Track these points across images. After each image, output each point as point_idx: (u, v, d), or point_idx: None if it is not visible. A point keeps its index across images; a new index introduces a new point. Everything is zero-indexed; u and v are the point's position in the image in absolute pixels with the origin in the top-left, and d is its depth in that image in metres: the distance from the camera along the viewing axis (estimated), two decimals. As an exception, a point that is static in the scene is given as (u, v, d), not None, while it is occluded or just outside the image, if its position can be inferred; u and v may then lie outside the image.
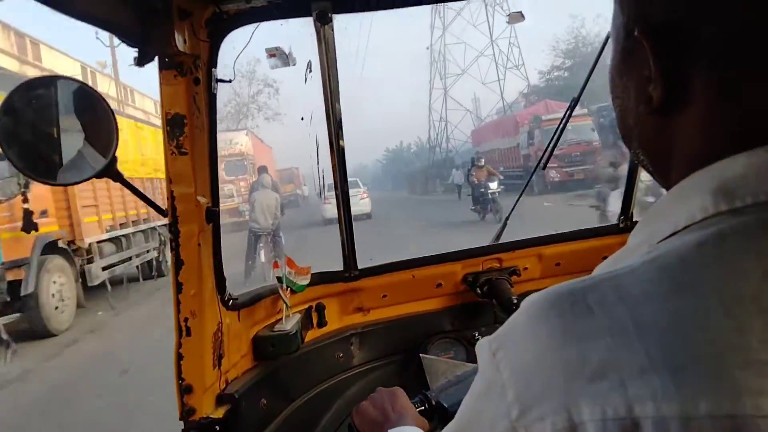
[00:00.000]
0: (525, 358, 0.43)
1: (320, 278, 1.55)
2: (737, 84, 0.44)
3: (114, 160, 0.98)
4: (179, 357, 1.09)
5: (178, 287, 1.07)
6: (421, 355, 1.55)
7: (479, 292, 1.68)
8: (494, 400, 0.44)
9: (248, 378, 1.27)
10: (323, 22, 1.24)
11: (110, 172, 0.99)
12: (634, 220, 1.82)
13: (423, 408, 1.16)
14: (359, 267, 1.60)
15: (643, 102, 0.49)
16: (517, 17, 1.41)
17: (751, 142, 0.43)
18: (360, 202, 20.11)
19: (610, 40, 0.55)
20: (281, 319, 1.41)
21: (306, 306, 1.54)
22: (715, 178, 0.44)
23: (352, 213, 1.56)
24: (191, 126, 1.04)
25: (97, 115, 1.00)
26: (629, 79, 0.51)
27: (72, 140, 1.03)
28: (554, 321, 0.42)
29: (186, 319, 1.08)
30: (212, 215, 1.11)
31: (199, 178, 1.08)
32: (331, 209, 21.22)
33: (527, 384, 0.42)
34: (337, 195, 1.51)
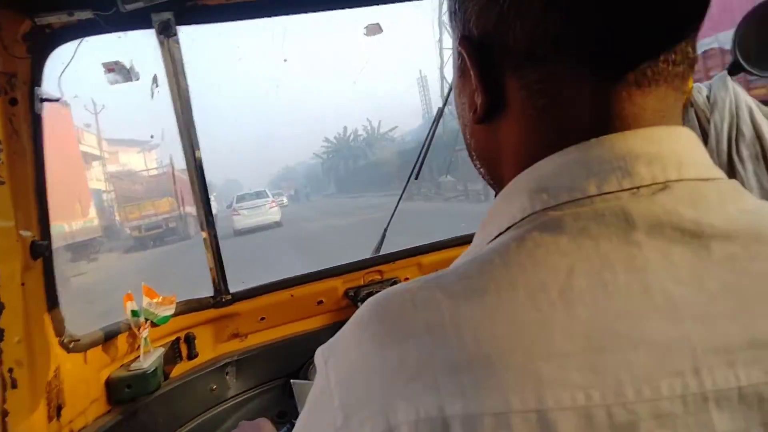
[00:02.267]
0: (350, 363, 0.42)
1: (188, 306, 1.45)
2: (541, 81, 0.45)
3: None
4: (4, 413, 0.95)
5: (0, 334, 0.94)
6: (291, 381, 1.49)
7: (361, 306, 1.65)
8: (323, 408, 0.43)
9: (100, 425, 1.15)
10: (167, 35, 1.16)
11: None
12: None
13: None
14: (231, 291, 1.52)
15: (471, 112, 0.50)
16: (374, 29, 1.40)
17: (563, 142, 0.44)
18: (270, 211, 20.37)
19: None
20: (139, 356, 1.30)
21: (173, 338, 1.43)
22: (532, 179, 0.45)
23: (262, 222, 1.48)
24: (8, 152, 0.92)
25: None
26: (463, 95, 0.53)
27: None
28: (379, 324, 0.41)
29: (11, 370, 0.95)
30: (39, 249, 0.99)
31: (21, 209, 0.96)
32: (240, 220, 20.36)
33: (350, 390, 0.41)
34: (199, 215, 1.42)
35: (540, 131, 0.46)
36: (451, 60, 0.61)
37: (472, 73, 0.48)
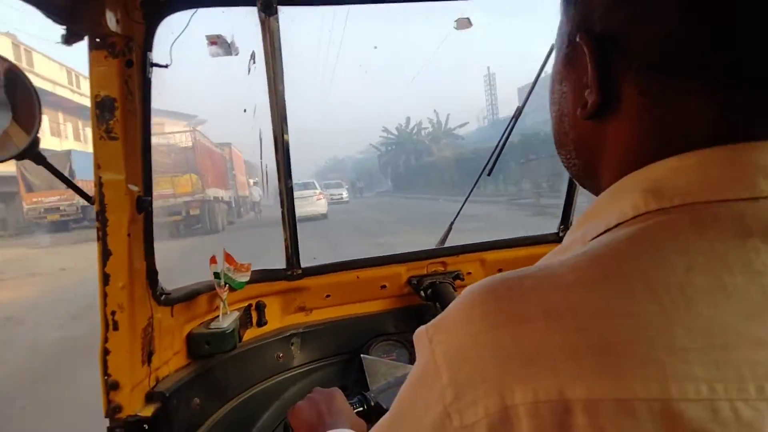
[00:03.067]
0: (460, 342, 0.43)
1: (261, 276, 1.52)
2: (664, 91, 0.45)
3: (36, 141, 0.93)
4: (105, 352, 1.03)
5: (105, 279, 1.02)
6: (361, 355, 1.53)
7: (423, 294, 1.68)
8: (429, 385, 0.44)
9: (181, 376, 1.22)
10: (268, 13, 1.22)
11: (32, 153, 0.93)
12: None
13: (361, 409, 1.14)
14: (302, 266, 1.57)
15: (579, 107, 0.51)
16: (464, 23, 1.42)
17: (679, 147, 0.45)
18: (316, 203, 20.40)
19: (556, 49, 0.57)
20: (218, 316, 1.37)
21: (245, 304, 1.50)
22: (647, 179, 0.46)
23: (309, 213, 1.54)
24: (123, 110, 1.00)
25: (20, 94, 0.94)
26: (568, 84, 0.53)
27: None
28: (490, 305, 0.43)
29: (113, 313, 1.03)
30: (144, 204, 1.07)
31: (131, 165, 1.03)
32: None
33: (461, 367, 0.42)
34: (280, 191, 1.48)
35: (656, 136, 0.47)
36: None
37: (589, 69, 0.49)
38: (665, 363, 0.37)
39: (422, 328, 0.48)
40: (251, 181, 31.82)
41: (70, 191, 1.04)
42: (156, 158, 1.14)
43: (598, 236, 0.47)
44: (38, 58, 27.88)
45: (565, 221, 1.84)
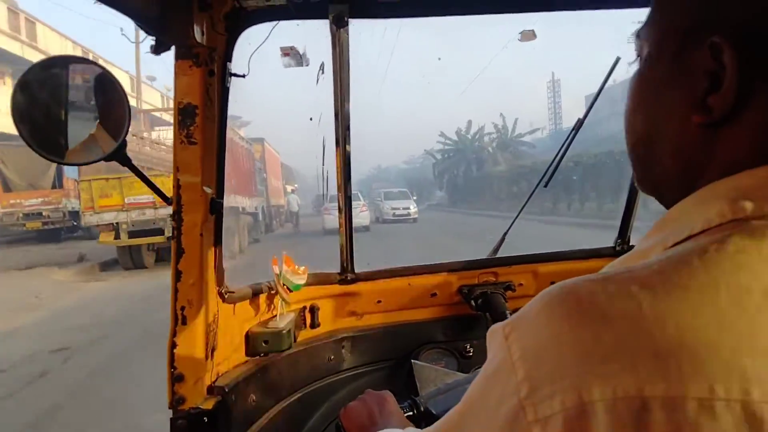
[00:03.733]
0: (538, 339, 0.44)
1: (316, 279, 1.56)
2: None
3: (123, 144, 0.99)
4: (173, 345, 1.09)
5: (177, 275, 1.08)
6: (412, 361, 1.55)
7: (473, 304, 1.68)
8: (503, 379, 0.45)
9: (239, 372, 1.27)
10: (339, 26, 1.26)
11: (119, 155, 1.00)
12: (630, 243, 1.83)
13: (411, 413, 1.16)
14: (356, 271, 1.61)
15: (698, 112, 0.49)
16: (529, 36, 1.43)
17: None
18: (360, 215, 20.15)
19: (645, 49, 0.55)
20: (275, 316, 1.41)
21: (300, 306, 1.54)
22: (736, 188, 0.46)
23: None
24: (202, 117, 1.05)
25: (109, 99, 1.01)
26: (675, 86, 0.51)
27: (82, 122, 1.04)
28: (569, 305, 0.44)
29: (183, 308, 1.08)
30: (216, 206, 1.12)
31: (207, 168, 1.09)
32: (331, 220, 19.45)
33: (538, 363, 0.43)
34: (339, 198, 1.52)
35: (759, 143, 0.47)
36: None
37: (728, 73, 0.46)
38: (747, 366, 0.38)
39: (497, 325, 0.49)
40: (289, 188, 29.50)
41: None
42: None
43: (680, 242, 0.47)
44: (42, 30, 23.94)
45: (623, 235, 1.82)
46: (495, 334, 0.49)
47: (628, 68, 0.61)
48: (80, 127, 1.04)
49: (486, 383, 0.49)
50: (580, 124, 1.61)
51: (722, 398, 0.37)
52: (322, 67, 1.32)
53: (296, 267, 1.47)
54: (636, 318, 0.41)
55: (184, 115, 1.04)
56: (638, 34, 0.58)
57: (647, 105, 0.55)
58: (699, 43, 0.48)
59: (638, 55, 0.58)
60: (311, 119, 1.46)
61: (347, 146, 1.43)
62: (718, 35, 0.46)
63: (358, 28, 1.33)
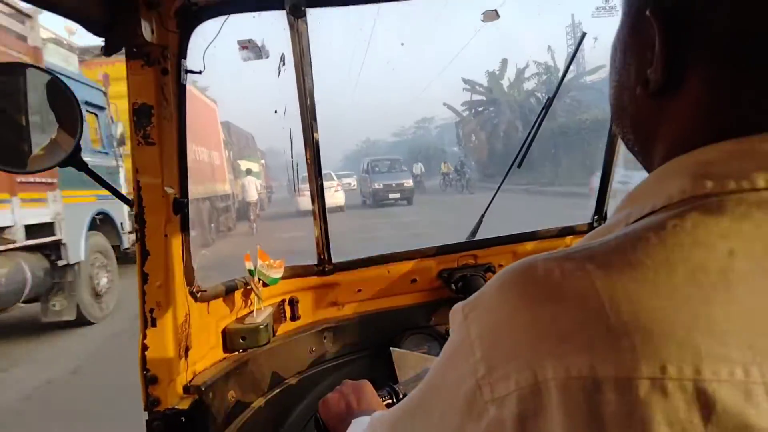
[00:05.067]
0: (495, 318, 0.44)
1: (293, 272, 1.55)
2: (736, 81, 0.45)
3: (78, 149, 0.98)
4: (144, 348, 1.08)
5: (144, 278, 1.07)
6: (391, 348, 1.56)
7: (454, 288, 1.69)
8: (462, 359, 0.45)
9: (216, 370, 1.27)
10: (297, 15, 1.24)
11: (74, 160, 0.98)
12: (607, 219, 1.84)
13: (390, 401, 1.17)
14: (333, 261, 1.60)
15: (640, 83, 0.50)
16: (491, 16, 1.42)
17: (735, 133, 0.45)
18: (334, 195, 19.34)
19: (620, 16, 0.55)
20: (252, 312, 1.41)
21: (279, 299, 1.54)
22: (697, 163, 0.46)
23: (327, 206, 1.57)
24: (158, 116, 1.04)
25: (62, 104, 1.00)
26: (632, 57, 0.52)
27: (42, 126, 1.03)
28: (528, 285, 0.44)
29: (152, 310, 1.08)
30: (180, 206, 1.11)
31: (167, 168, 1.08)
32: (305, 201, 19.57)
33: (495, 343, 0.43)
34: (311, 189, 1.51)
35: (713, 120, 0.47)
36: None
37: (657, 48, 0.47)
38: (701, 344, 0.37)
39: (458, 305, 0.49)
40: (248, 165, 19.90)
41: None
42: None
43: (641, 218, 0.47)
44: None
45: (599, 211, 1.83)
46: (456, 313, 0.49)
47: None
48: (42, 132, 1.03)
49: (446, 363, 0.49)
50: (549, 102, 1.60)
51: (674, 377, 0.37)
52: (282, 58, 1.30)
53: (272, 261, 1.46)
54: (589, 297, 0.40)
55: (139, 115, 1.03)
56: (621, 3, 0.58)
57: (615, 68, 0.56)
58: (643, 17, 0.49)
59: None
60: (276, 112, 1.44)
61: (315, 134, 1.42)
62: (651, 10, 0.47)
63: (318, 18, 1.32)
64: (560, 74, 1.94)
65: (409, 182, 22.81)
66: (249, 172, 18.48)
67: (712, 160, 0.45)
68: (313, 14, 1.26)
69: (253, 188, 17.35)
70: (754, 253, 0.40)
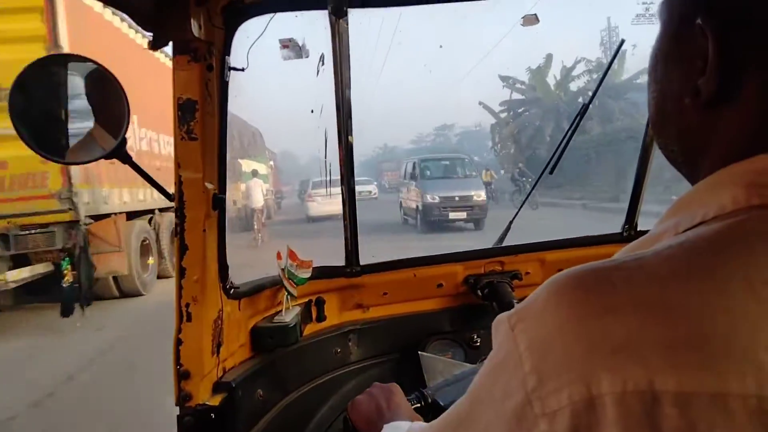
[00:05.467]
0: (545, 330, 0.43)
1: (321, 272, 1.55)
2: None
3: (123, 141, 0.99)
4: (178, 342, 1.08)
5: (181, 272, 1.07)
6: (420, 352, 1.55)
7: (480, 294, 1.68)
8: (509, 372, 0.44)
9: (245, 368, 1.27)
10: (338, 16, 1.24)
11: (119, 153, 0.99)
12: (638, 229, 1.82)
13: (419, 405, 1.16)
14: (361, 263, 1.60)
15: (689, 94, 0.49)
16: (531, 20, 1.41)
17: None
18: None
19: (659, 24, 0.55)
20: (281, 311, 1.41)
21: (306, 300, 1.54)
22: (751, 172, 0.45)
23: (336, 212, 1.57)
24: (202, 112, 1.04)
25: (108, 96, 1.00)
26: (676, 67, 0.51)
27: (81, 120, 1.04)
28: (577, 295, 0.42)
29: (187, 305, 1.08)
30: (219, 202, 1.11)
31: (208, 164, 1.08)
32: (314, 207, 17.05)
33: (546, 355, 0.42)
34: (343, 191, 1.51)
35: (759, 128, 0.46)
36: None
37: (710, 56, 0.46)
38: (763, 359, 0.36)
39: (503, 315, 0.48)
40: (251, 166, 17.47)
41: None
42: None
43: (692, 227, 0.46)
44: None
45: (630, 220, 1.81)
46: (500, 324, 0.48)
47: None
48: (79, 126, 1.04)
49: (492, 375, 0.48)
50: (585, 108, 1.59)
51: (736, 393, 0.36)
52: (322, 58, 1.30)
53: (301, 260, 1.46)
54: (643, 308, 0.39)
55: (183, 110, 1.03)
56: (659, 11, 0.57)
57: (656, 78, 0.55)
58: (691, 26, 0.48)
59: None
60: (312, 111, 1.44)
61: (350, 137, 1.42)
62: (703, 16, 0.46)
63: (359, 18, 1.32)
64: (597, 82, 1.91)
65: (480, 195, 15.27)
66: (255, 174, 16.19)
67: (763, 169, 0.44)
68: (355, 15, 1.26)
69: (258, 192, 14.89)
70: None
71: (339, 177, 1.48)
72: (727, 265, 0.40)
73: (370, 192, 25.67)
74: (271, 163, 26.75)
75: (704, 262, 0.41)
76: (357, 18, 1.30)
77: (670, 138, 0.55)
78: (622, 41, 1.64)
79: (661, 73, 0.53)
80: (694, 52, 0.48)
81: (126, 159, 1.01)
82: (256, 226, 14.51)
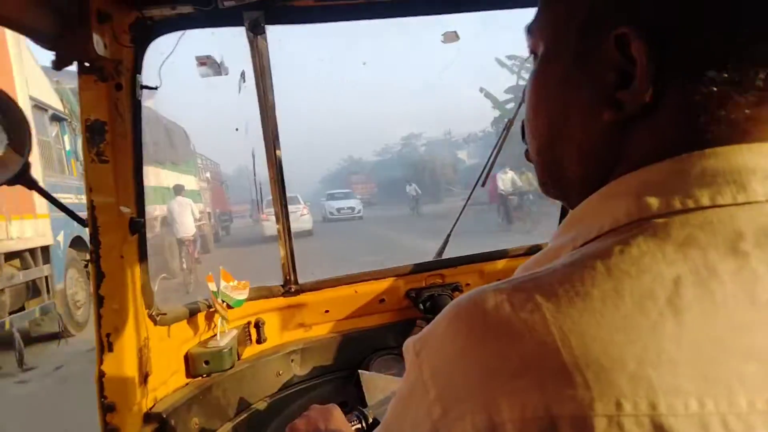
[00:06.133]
0: (446, 356, 0.42)
1: (258, 293, 1.52)
2: (702, 100, 0.43)
3: (27, 165, 0.94)
4: (101, 374, 1.03)
5: (99, 301, 1.03)
6: (359, 371, 1.52)
7: (422, 307, 1.67)
8: (417, 400, 0.43)
9: (179, 396, 1.22)
10: (256, 33, 1.23)
11: (24, 178, 0.94)
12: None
13: (359, 426, 1.14)
14: (300, 282, 1.57)
15: (607, 109, 0.46)
16: (451, 37, 1.43)
17: (679, 149, 0.43)
18: (300, 218, 18.18)
19: (536, 51, 0.53)
20: (216, 335, 1.37)
21: (244, 321, 1.50)
22: (640, 183, 0.44)
23: (293, 230, 1.55)
24: (113, 133, 1.01)
25: (9, 119, 0.96)
26: (578, 88, 0.49)
27: None
28: (475, 320, 0.42)
29: (108, 335, 1.03)
30: (137, 226, 1.07)
31: (122, 187, 1.04)
32: (270, 226, 15.90)
33: (448, 383, 0.41)
34: (276, 210, 1.49)
35: (667, 138, 0.44)
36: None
37: (639, 67, 0.43)
38: (653, 378, 0.36)
39: (409, 341, 0.47)
40: (174, 179, 13.20)
41: None
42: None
43: (588, 242, 0.45)
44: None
45: None
46: (408, 350, 0.46)
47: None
48: None
49: (402, 405, 0.47)
50: (510, 124, 1.62)
51: (630, 414, 0.35)
52: (243, 75, 1.29)
53: (236, 282, 1.43)
54: (539, 331, 0.39)
55: (92, 132, 0.99)
56: (529, 30, 0.55)
57: (548, 107, 0.52)
58: (602, 36, 0.45)
59: (532, 53, 0.55)
60: (237, 129, 1.42)
61: (277, 151, 1.40)
62: (625, 26, 0.44)
63: (279, 36, 1.31)
64: (521, 98, 1.88)
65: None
66: (179, 190, 11.49)
67: (655, 180, 0.44)
68: (275, 31, 1.26)
69: (187, 216, 10.94)
70: (701, 279, 0.38)
71: (270, 196, 1.46)
72: (617, 282, 0.39)
73: (353, 209, 23.16)
74: (208, 175, 20.67)
75: (594, 280, 0.40)
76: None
77: (566, 159, 0.52)
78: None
79: (552, 98, 0.51)
80: (604, 66, 0.46)
81: (31, 184, 0.96)
82: (185, 264, 10.82)
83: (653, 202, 0.43)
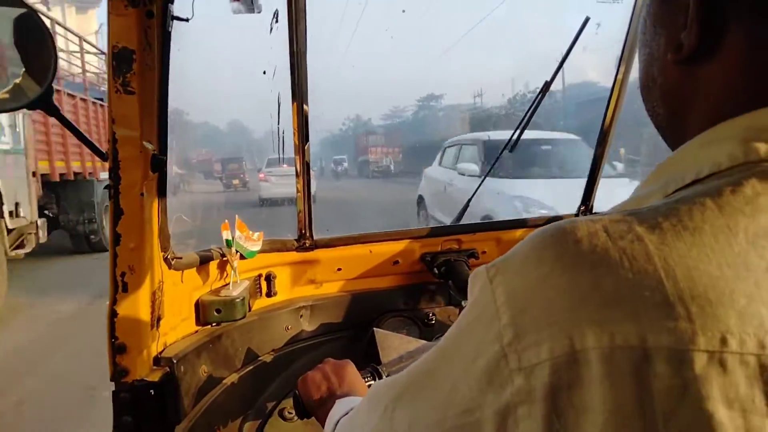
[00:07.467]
0: (526, 282, 0.41)
1: (272, 246, 1.48)
2: None
3: (50, 91, 0.89)
4: (113, 314, 1.00)
5: (116, 239, 0.99)
6: (374, 328, 1.51)
7: (436, 272, 1.64)
8: (484, 326, 0.42)
9: (188, 343, 1.19)
10: None
11: (44, 103, 0.89)
12: (593, 211, 1.82)
13: (373, 382, 1.12)
14: (315, 237, 1.54)
15: (671, 50, 0.48)
16: None
17: None
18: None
19: None
20: (228, 284, 1.34)
21: (256, 273, 1.47)
22: (748, 128, 0.43)
23: (290, 194, 1.51)
24: (140, 63, 0.95)
25: (34, 42, 0.90)
26: (662, 26, 0.50)
27: (6, 67, 0.94)
28: (564, 247, 0.40)
29: (123, 274, 1.00)
30: (159, 163, 1.02)
31: (147, 121, 0.99)
32: (268, 188, 15.31)
33: (526, 308, 0.40)
34: (297, 162, 1.45)
35: (757, 82, 0.44)
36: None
37: (691, 7, 0.45)
38: (765, 316, 0.35)
39: (481, 267, 0.45)
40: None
41: None
42: None
43: (684, 187, 0.44)
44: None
45: (586, 201, 1.80)
46: (478, 276, 0.44)
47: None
48: (4, 73, 0.94)
49: (463, 330, 0.45)
50: (547, 86, 1.56)
51: (735, 351, 0.34)
52: (276, 15, 1.22)
53: (250, 233, 1.39)
54: (641, 261, 0.37)
55: (119, 60, 0.93)
56: None
57: (645, 42, 0.53)
58: None
59: None
60: (264, 72, 1.36)
61: (305, 105, 1.35)
62: None
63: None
64: (562, 58, 1.85)
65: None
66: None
67: (761, 125, 0.42)
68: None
69: None
70: None
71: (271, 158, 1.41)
72: (729, 219, 0.38)
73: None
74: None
75: (705, 216, 0.39)
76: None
77: (655, 101, 0.53)
78: (587, 19, 1.62)
79: (649, 35, 0.52)
80: (677, 8, 0.47)
81: (52, 110, 0.91)
82: None
83: (761, 147, 0.41)
